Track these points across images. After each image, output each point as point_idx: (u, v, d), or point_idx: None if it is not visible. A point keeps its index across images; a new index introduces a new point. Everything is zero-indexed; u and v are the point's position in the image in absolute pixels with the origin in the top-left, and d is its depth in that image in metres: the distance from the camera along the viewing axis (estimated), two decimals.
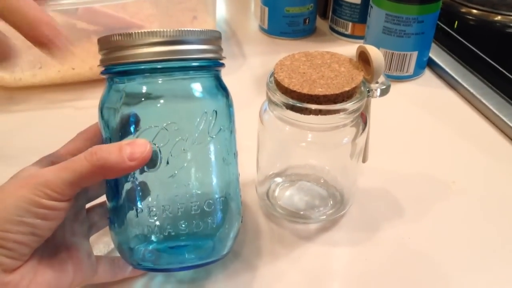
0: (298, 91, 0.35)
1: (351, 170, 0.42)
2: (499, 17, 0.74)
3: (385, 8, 0.57)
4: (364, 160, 0.42)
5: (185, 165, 0.33)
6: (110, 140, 0.32)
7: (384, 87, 0.37)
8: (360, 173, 0.45)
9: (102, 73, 0.33)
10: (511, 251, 0.40)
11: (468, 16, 0.75)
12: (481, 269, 0.39)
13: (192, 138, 0.32)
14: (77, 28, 0.57)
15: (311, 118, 0.35)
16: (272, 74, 0.37)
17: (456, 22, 0.74)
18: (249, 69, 0.63)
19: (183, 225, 0.33)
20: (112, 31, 0.35)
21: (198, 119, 0.32)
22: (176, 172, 0.32)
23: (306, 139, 0.39)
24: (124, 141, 0.30)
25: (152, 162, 0.31)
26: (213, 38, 0.33)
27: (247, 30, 0.73)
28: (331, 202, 0.43)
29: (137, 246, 0.33)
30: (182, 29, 0.31)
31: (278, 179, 0.45)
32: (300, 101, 0.35)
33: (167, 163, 0.32)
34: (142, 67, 0.31)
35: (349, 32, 0.69)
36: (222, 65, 0.34)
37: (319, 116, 0.35)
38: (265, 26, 0.71)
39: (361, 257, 0.39)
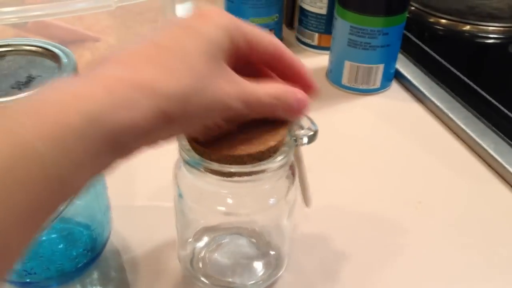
0: (217, 151, 0.29)
1: (286, 228, 0.37)
2: (468, 27, 0.72)
3: (349, 20, 0.56)
4: (307, 205, 0.37)
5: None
6: None
7: (312, 133, 0.32)
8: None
9: None
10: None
11: (436, 26, 0.73)
12: None
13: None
14: None
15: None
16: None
17: (425, 32, 0.73)
18: None
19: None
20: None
21: None
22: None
23: (225, 202, 0.34)
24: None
25: None
26: None
27: None
28: (264, 264, 0.38)
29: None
30: None
31: (202, 242, 0.39)
32: (221, 163, 0.29)
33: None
34: None
35: (315, 43, 0.67)
36: None
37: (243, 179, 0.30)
38: None
39: None
